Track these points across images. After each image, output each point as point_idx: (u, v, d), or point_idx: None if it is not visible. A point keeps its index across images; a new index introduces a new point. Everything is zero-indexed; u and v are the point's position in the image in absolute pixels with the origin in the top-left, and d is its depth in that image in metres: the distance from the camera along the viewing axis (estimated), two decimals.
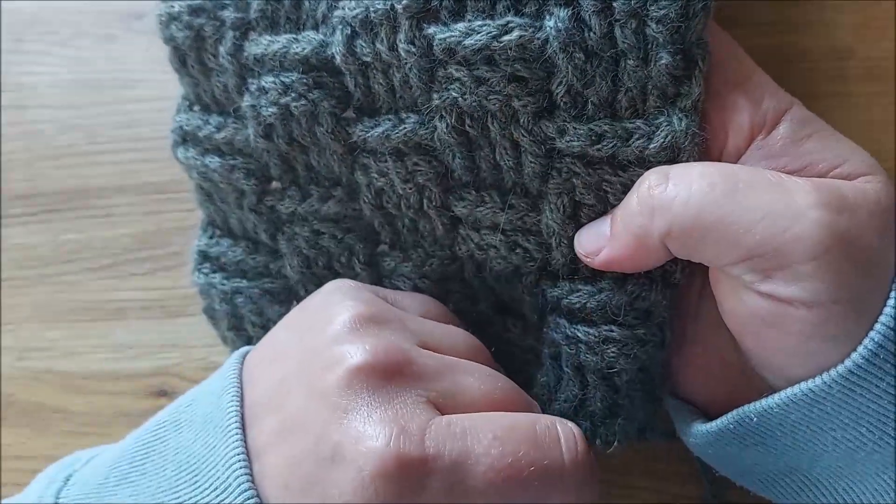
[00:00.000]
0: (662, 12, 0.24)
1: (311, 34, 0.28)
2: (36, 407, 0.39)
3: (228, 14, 0.29)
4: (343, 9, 0.27)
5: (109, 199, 0.39)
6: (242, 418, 0.24)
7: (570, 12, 0.25)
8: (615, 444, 0.28)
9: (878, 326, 0.23)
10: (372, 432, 0.22)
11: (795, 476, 0.26)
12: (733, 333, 0.26)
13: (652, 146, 0.25)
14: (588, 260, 0.26)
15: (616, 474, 0.33)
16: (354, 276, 0.30)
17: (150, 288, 0.38)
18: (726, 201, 0.23)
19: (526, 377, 0.30)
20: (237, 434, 0.24)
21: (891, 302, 0.23)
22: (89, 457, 0.28)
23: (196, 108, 0.32)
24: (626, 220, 0.25)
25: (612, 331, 0.26)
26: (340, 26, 0.27)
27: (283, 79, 0.28)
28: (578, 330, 0.27)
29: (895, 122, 0.33)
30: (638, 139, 0.25)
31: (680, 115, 0.25)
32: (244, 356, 0.27)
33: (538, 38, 0.25)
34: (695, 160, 0.25)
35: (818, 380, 0.23)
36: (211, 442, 0.24)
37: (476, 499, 0.23)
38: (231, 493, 0.23)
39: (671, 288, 0.27)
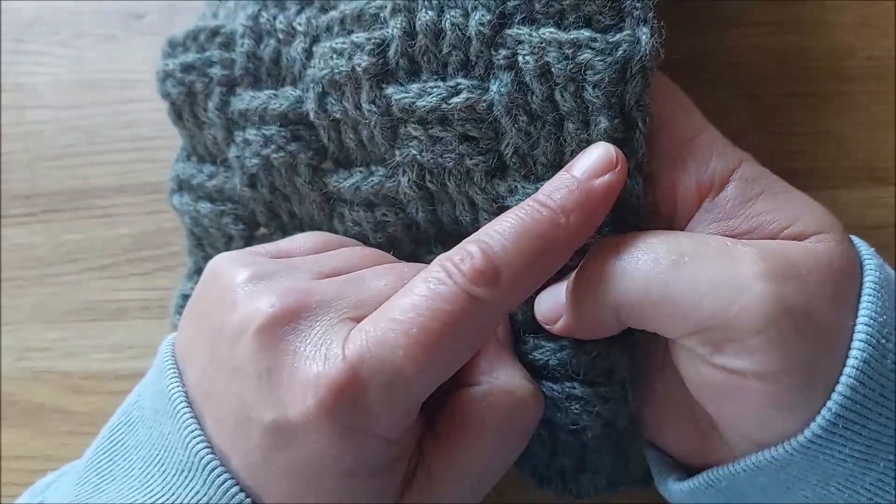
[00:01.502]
0: (598, 77, 0.24)
1: (289, 90, 0.29)
2: (36, 407, 0.39)
3: (216, 71, 0.31)
4: (314, 68, 0.28)
5: (109, 199, 0.39)
6: (188, 398, 0.25)
7: (512, 76, 0.25)
8: (585, 496, 0.29)
9: (835, 396, 0.22)
10: (300, 376, 0.22)
11: None
12: (695, 398, 0.25)
13: None
14: (548, 327, 0.26)
15: None
16: None
17: (150, 288, 0.38)
18: (671, 276, 0.23)
19: None
20: (187, 413, 0.24)
21: (847, 370, 0.22)
22: (51, 481, 0.29)
23: (193, 158, 0.33)
24: (575, 295, 0.25)
25: (574, 388, 0.26)
26: (312, 84, 0.28)
27: (264, 132, 0.29)
28: (543, 385, 0.27)
29: (895, 122, 0.33)
30: None
31: None
32: (174, 342, 0.27)
33: (484, 101, 0.25)
34: (643, 221, 0.25)
35: (780, 448, 0.23)
36: (165, 430, 0.24)
37: (419, 383, 0.22)
38: (196, 469, 0.23)
39: (632, 347, 0.27)
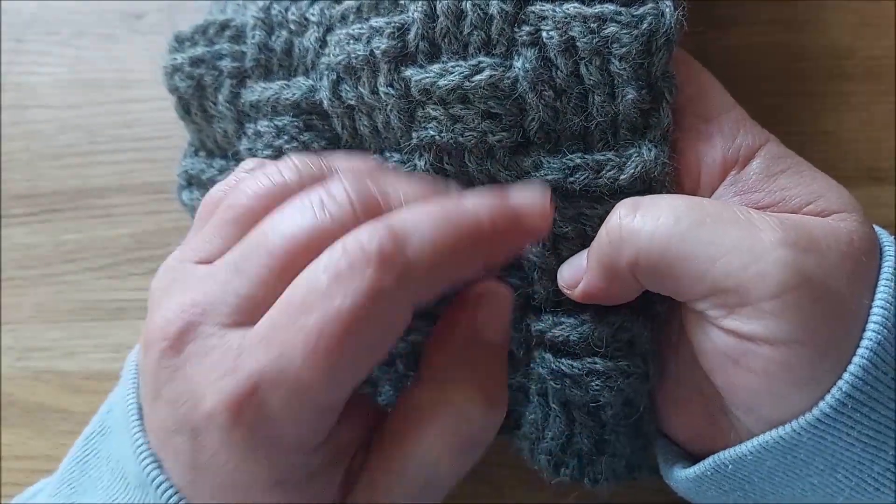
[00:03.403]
0: (624, 50, 0.24)
1: (301, 80, 0.29)
2: (36, 407, 0.39)
3: (226, 64, 0.30)
4: (328, 55, 0.28)
5: (109, 199, 0.39)
6: (141, 409, 0.24)
7: (536, 52, 0.25)
8: (603, 482, 0.28)
9: (846, 375, 0.22)
10: (201, 402, 0.21)
11: None
12: (705, 371, 0.25)
13: (623, 177, 0.25)
14: (568, 292, 0.26)
15: None
16: (396, 378, 0.30)
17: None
18: (691, 235, 0.23)
19: (516, 416, 0.30)
20: (137, 424, 0.24)
21: (861, 350, 0.22)
22: (31, 495, 0.28)
23: (201, 153, 0.33)
24: (597, 252, 0.25)
25: (595, 363, 0.26)
26: (326, 72, 0.28)
27: (276, 122, 0.29)
28: (563, 363, 0.27)
29: (895, 122, 0.33)
30: (609, 170, 0.25)
31: (649, 145, 0.25)
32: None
33: (508, 78, 0.25)
34: (667, 191, 0.25)
35: (788, 427, 0.23)
36: (124, 440, 0.24)
37: (325, 391, 0.21)
38: (147, 485, 0.23)
39: (653, 320, 0.27)
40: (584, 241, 0.26)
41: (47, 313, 0.39)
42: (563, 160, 0.26)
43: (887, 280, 0.23)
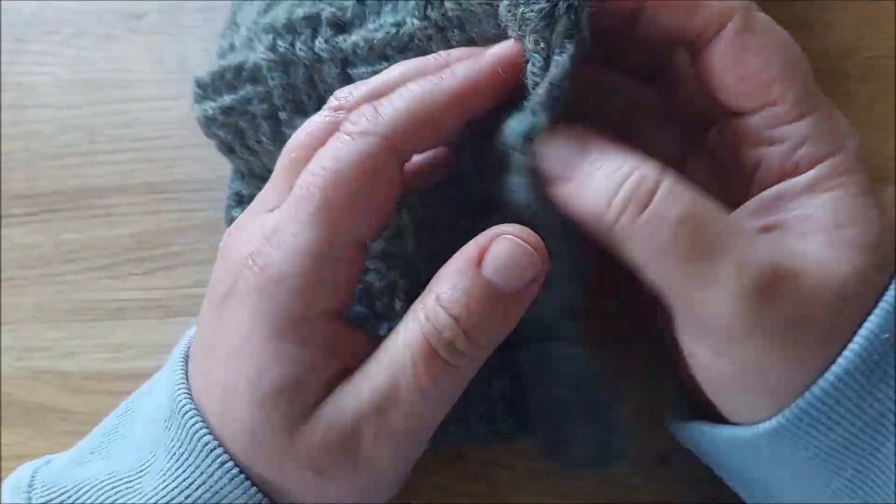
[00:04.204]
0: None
1: None
2: (36, 407, 0.39)
3: (256, 107, 0.31)
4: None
5: (109, 199, 0.39)
6: (187, 363, 0.26)
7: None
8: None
9: (807, 395, 0.22)
10: None
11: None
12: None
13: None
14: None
15: (615, 474, 0.33)
16: (394, 315, 0.30)
17: (150, 288, 0.38)
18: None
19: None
20: (180, 369, 0.25)
21: (827, 374, 0.22)
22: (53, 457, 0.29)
23: (249, 178, 0.34)
24: None
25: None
26: None
27: None
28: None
29: (895, 122, 0.33)
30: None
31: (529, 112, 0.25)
32: None
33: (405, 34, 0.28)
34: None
35: (749, 430, 0.24)
36: (165, 387, 0.26)
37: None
38: (175, 414, 0.24)
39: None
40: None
41: (47, 313, 0.39)
42: None
43: (882, 311, 0.22)
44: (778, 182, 0.24)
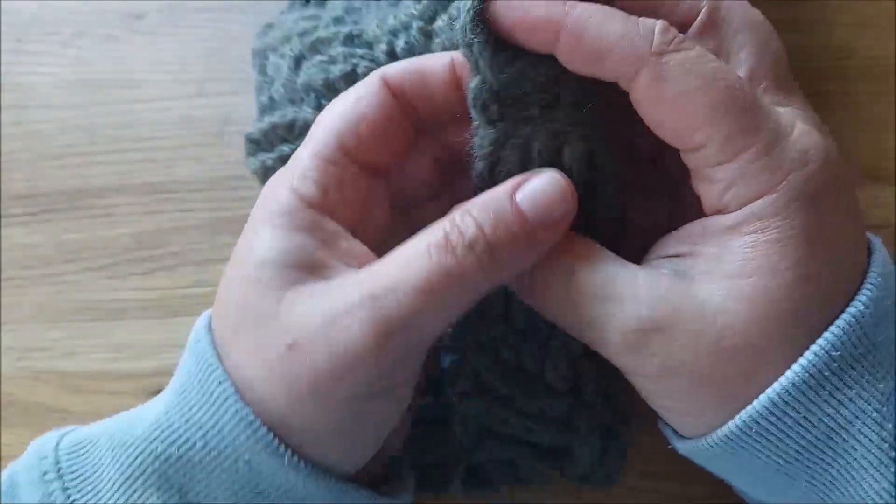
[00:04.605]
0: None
1: None
2: (36, 407, 0.39)
3: (286, 149, 0.33)
4: None
5: (109, 199, 0.39)
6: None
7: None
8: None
9: (748, 408, 0.23)
10: None
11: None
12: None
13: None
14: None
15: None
16: None
17: (150, 288, 0.38)
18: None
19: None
20: (207, 335, 0.25)
21: (769, 391, 0.22)
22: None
23: None
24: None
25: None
26: None
27: None
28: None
29: (894, 121, 0.33)
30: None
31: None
32: None
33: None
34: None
35: (702, 441, 0.24)
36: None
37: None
38: (193, 349, 0.25)
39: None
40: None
41: (47, 313, 0.39)
42: None
43: (833, 335, 0.22)
44: (709, 211, 0.24)
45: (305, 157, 0.25)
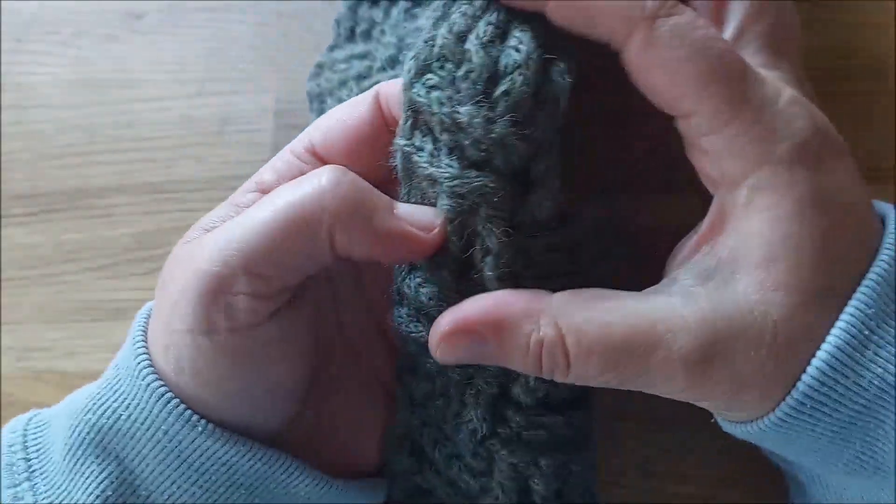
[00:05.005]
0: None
1: None
2: (36, 407, 0.39)
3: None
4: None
5: (109, 199, 0.39)
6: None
7: None
8: None
9: (782, 404, 0.23)
10: None
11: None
12: None
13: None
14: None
15: (615, 474, 0.33)
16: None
17: (150, 288, 0.38)
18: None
19: None
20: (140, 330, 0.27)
21: (791, 396, 0.23)
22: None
23: None
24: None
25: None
26: None
27: None
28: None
29: (895, 121, 0.33)
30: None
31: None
32: None
33: None
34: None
35: (753, 426, 0.24)
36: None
37: None
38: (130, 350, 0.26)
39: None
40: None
41: (47, 313, 0.39)
42: None
43: (819, 361, 0.22)
44: (715, 189, 0.24)
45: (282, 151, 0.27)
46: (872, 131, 0.33)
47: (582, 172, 0.26)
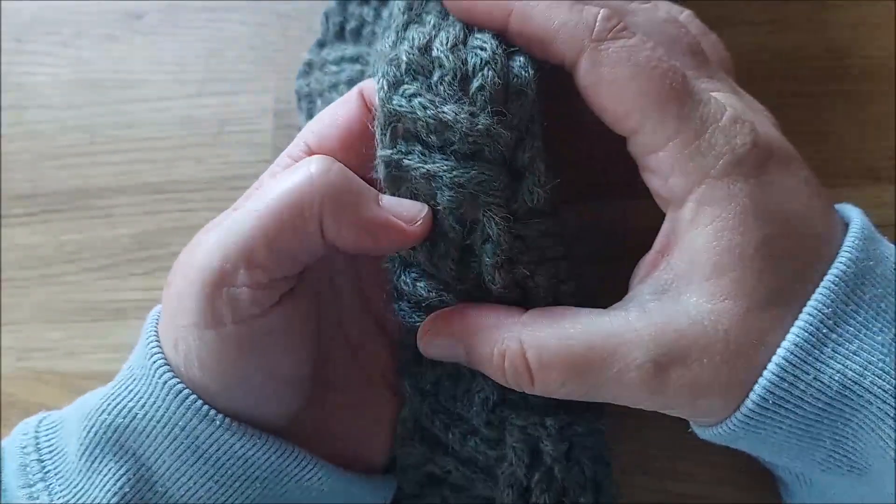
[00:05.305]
0: None
1: None
2: (37, 407, 0.38)
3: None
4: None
5: (109, 199, 0.39)
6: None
7: None
8: None
9: (748, 401, 0.23)
10: None
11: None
12: None
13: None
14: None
15: (615, 473, 0.33)
16: None
17: (151, 288, 0.38)
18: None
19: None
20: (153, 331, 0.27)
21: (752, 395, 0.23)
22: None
23: None
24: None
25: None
26: None
27: None
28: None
29: (894, 121, 0.33)
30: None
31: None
32: None
33: None
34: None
35: (721, 427, 0.25)
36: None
37: None
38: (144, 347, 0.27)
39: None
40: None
41: (47, 313, 0.39)
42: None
43: (774, 367, 0.23)
44: (665, 207, 0.25)
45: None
46: (872, 131, 0.33)
47: (565, 178, 0.26)
